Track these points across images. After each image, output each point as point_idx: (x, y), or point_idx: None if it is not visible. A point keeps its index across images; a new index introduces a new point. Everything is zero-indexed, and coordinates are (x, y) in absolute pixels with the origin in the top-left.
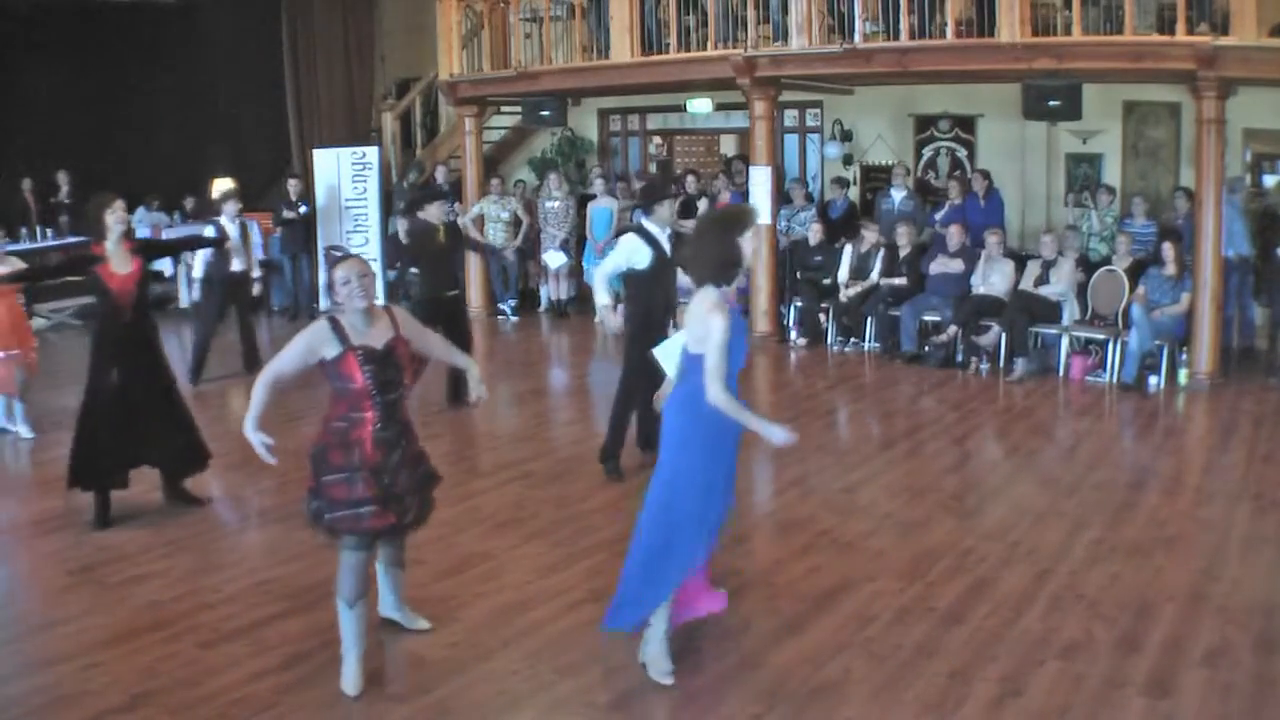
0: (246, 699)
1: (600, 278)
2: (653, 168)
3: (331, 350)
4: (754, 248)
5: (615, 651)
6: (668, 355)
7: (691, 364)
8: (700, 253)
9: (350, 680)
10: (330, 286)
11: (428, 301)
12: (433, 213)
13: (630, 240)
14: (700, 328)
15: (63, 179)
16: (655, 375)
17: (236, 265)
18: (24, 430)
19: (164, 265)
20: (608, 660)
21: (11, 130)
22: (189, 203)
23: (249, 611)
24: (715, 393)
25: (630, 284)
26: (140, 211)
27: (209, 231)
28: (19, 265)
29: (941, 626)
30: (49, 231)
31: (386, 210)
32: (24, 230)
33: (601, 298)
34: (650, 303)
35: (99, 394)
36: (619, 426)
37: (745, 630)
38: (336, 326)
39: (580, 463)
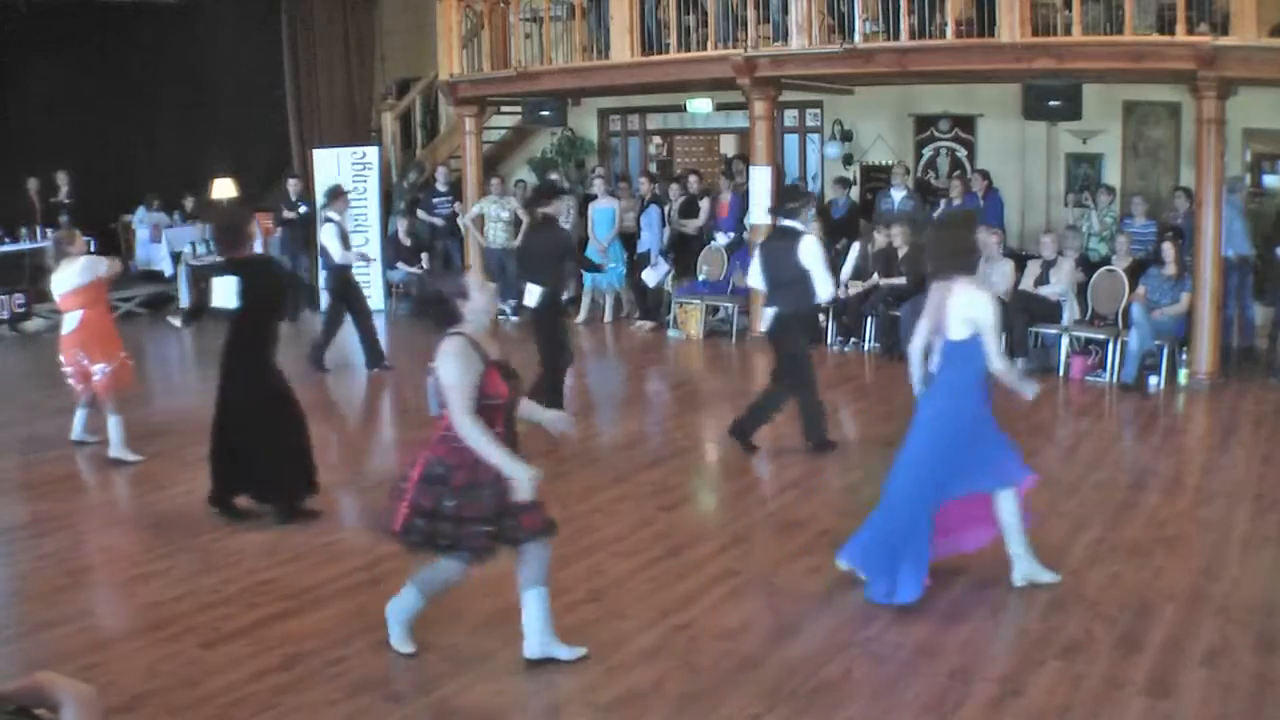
0: (246, 699)
1: (830, 289)
2: (653, 167)
3: (478, 367)
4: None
5: (615, 651)
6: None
7: (955, 350)
8: (950, 246)
9: (405, 640)
10: (456, 295)
11: (556, 307)
12: (560, 209)
13: (817, 243)
14: (970, 310)
15: (62, 179)
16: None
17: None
18: (78, 432)
19: (165, 265)
20: (608, 660)
21: (11, 131)
22: (189, 203)
23: (249, 611)
24: (999, 365)
25: (799, 283)
26: (140, 211)
27: (328, 230)
28: (103, 269)
29: (941, 626)
30: (49, 232)
31: (386, 210)
32: (24, 230)
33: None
34: (813, 298)
35: (282, 399)
36: (817, 409)
37: (745, 630)
38: (473, 343)
39: (580, 462)
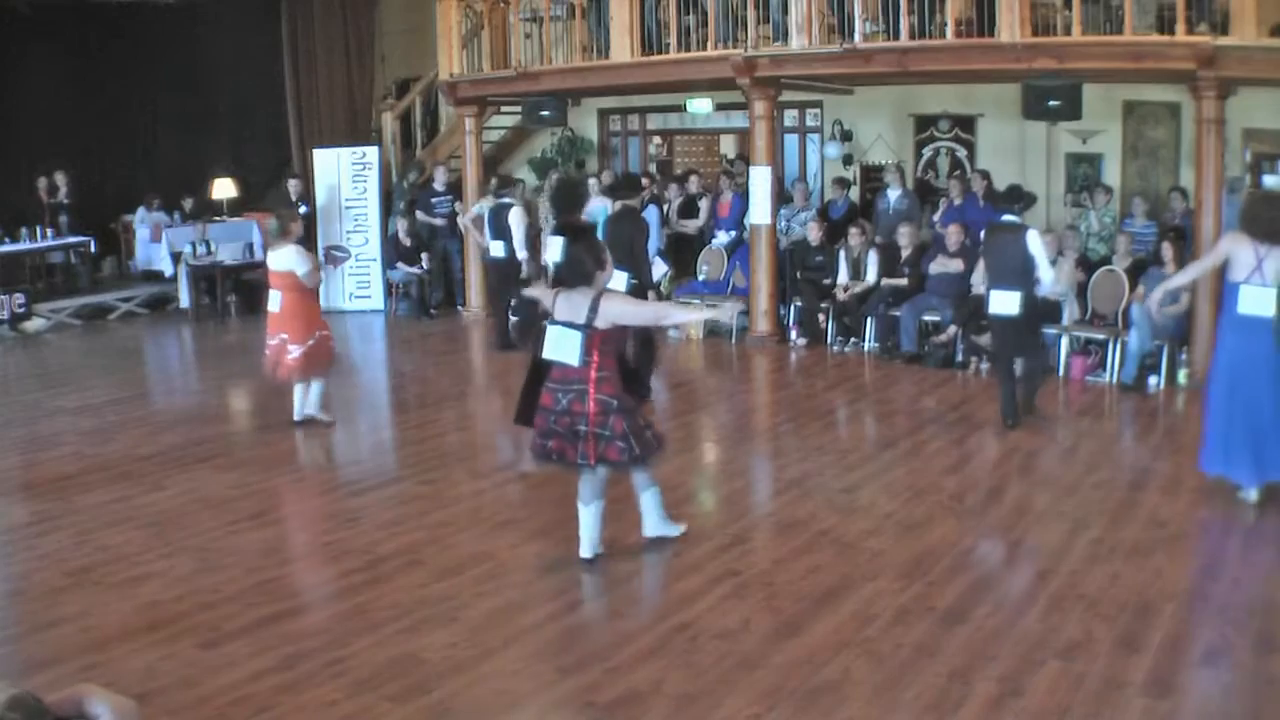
0: (246, 699)
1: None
2: (653, 167)
3: None
4: None
5: (615, 651)
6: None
7: None
8: None
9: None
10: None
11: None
12: (641, 200)
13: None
14: None
15: (61, 179)
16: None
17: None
18: (300, 409)
19: (165, 266)
20: (608, 660)
21: (11, 130)
22: (188, 203)
23: (249, 611)
24: None
25: (1029, 275)
26: (140, 211)
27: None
28: (303, 270)
29: (941, 626)
30: (49, 231)
31: (386, 210)
32: (24, 230)
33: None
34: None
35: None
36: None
37: (745, 630)
38: None
39: None
